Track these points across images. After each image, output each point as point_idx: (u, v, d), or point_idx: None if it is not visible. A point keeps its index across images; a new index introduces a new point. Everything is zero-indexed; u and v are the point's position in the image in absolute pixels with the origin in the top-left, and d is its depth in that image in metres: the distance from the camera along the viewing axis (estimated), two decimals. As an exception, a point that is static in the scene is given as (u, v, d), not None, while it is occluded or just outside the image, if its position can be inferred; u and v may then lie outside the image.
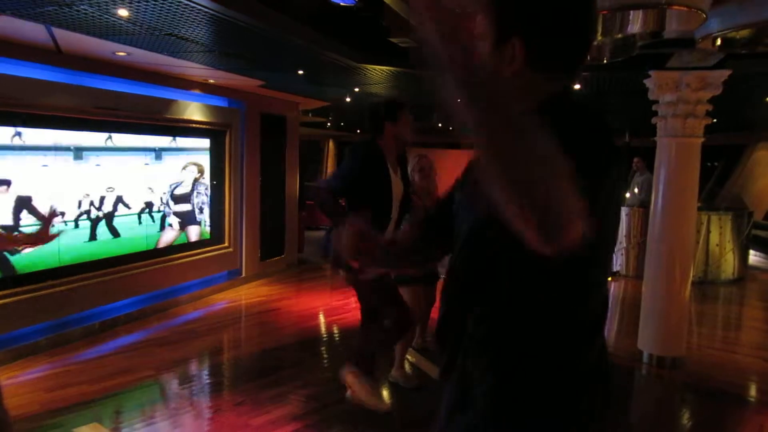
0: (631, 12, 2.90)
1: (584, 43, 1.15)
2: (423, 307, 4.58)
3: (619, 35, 3.16)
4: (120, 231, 5.88)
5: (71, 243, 5.33)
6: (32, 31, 4.19)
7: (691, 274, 5.00)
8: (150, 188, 6.26)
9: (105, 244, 5.72)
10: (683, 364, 4.90)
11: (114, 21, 3.85)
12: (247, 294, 7.30)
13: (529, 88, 1.08)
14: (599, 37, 3.15)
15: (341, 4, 3.66)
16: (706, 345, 5.69)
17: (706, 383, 4.66)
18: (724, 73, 4.66)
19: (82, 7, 3.51)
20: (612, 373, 1.25)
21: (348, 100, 8.64)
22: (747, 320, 7.08)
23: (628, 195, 9.68)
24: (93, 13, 3.64)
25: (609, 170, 1.06)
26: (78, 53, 5.04)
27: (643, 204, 8.15)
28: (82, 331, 5.24)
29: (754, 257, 9.94)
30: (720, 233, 8.44)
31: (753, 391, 4.64)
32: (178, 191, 6.70)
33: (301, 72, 6.08)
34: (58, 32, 4.25)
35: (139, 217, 6.15)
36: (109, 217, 5.75)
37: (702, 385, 4.64)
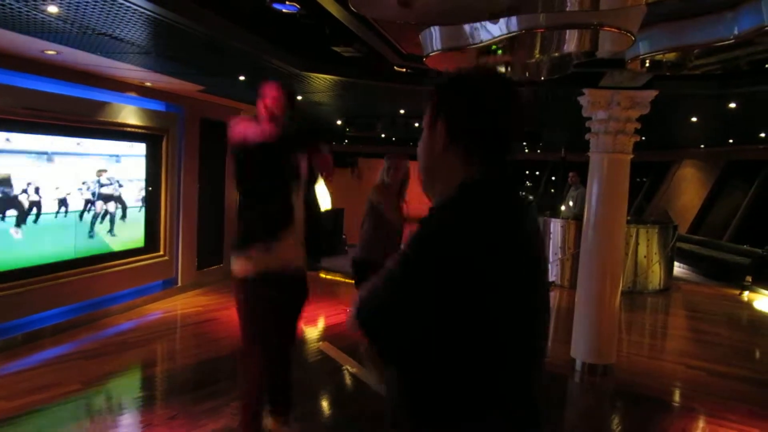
0: (567, 32, 3.01)
1: (497, 137, 1.25)
2: None
3: (556, 54, 3.27)
4: (41, 236, 5.59)
5: (-8, 250, 5.03)
6: (-48, 24, 3.95)
7: (621, 285, 5.21)
8: (67, 192, 5.92)
9: (28, 250, 5.42)
10: (613, 372, 5.08)
11: (43, 18, 3.68)
12: (183, 304, 7.08)
13: (450, 168, 1.25)
14: (537, 55, 3.25)
15: (283, 10, 3.63)
16: (634, 353, 5.93)
17: (634, 390, 4.84)
18: (652, 93, 4.91)
19: (8, 1, 3.33)
20: None
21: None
22: (672, 329, 7.43)
23: (563, 208, 10.03)
24: (20, 8, 3.46)
25: (499, 271, 1.15)
26: (4, 51, 4.79)
27: (578, 217, 8.45)
28: (3, 344, 4.93)
29: (678, 268, 10.47)
30: (647, 245, 8.84)
31: (677, 397, 4.86)
32: (87, 196, 6.44)
33: (242, 78, 5.99)
34: (-19, 27, 4.03)
35: (56, 216, 5.83)
36: (23, 220, 5.42)
37: (631, 392, 4.82)
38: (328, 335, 6.00)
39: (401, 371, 1.21)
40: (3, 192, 5.10)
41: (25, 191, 5.34)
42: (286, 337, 3.17)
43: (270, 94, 3.04)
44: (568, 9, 2.35)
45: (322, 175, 3.18)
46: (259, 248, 2.92)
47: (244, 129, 2.95)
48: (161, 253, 7.24)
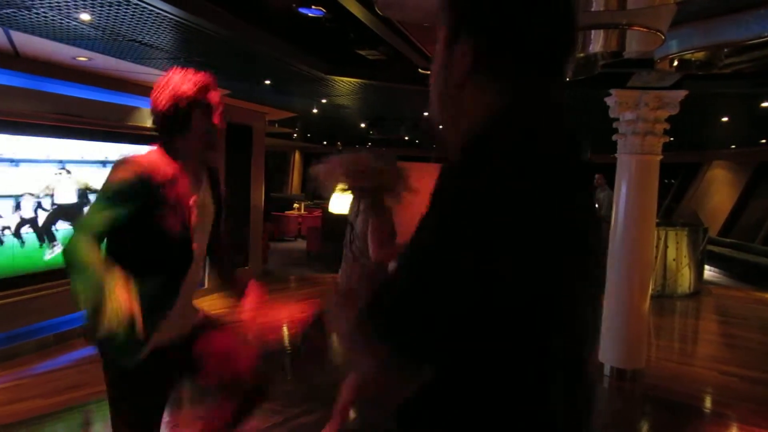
0: (593, 32, 2.98)
1: (547, 36, 0.90)
2: None
3: (582, 54, 3.24)
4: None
5: (26, 251, 5.15)
6: (-11, 33, 4.07)
7: (650, 288, 5.12)
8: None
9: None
10: (643, 377, 4.99)
11: (75, 25, 3.77)
12: (210, 305, 7.15)
13: (470, 105, 0.93)
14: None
15: (309, 15, 3.66)
16: (664, 357, 5.83)
17: (664, 395, 4.76)
18: (681, 94, 4.82)
19: (42, 10, 3.42)
20: None
21: (315, 111, 8.63)
22: (703, 333, 7.28)
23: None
24: (54, 16, 3.55)
25: (561, 235, 0.83)
26: (37, 57, 4.91)
27: (604, 219, 8.33)
28: (36, 344, 5.05)
29: (708, 272, 10.25)
30: (677, 248, 8.68)
31: (709, 403, 4.76)
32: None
33: (267, 82, 6.05)
34: (16, 35, 4.13)
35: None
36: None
37: (661, 397, 4.74)
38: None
39: (425, 370, 0.89)
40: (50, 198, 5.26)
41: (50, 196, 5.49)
42: None
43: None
44: (594, 9, 2.32)
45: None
46: None
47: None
48: (188, 255, 7.33)
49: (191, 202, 2.17)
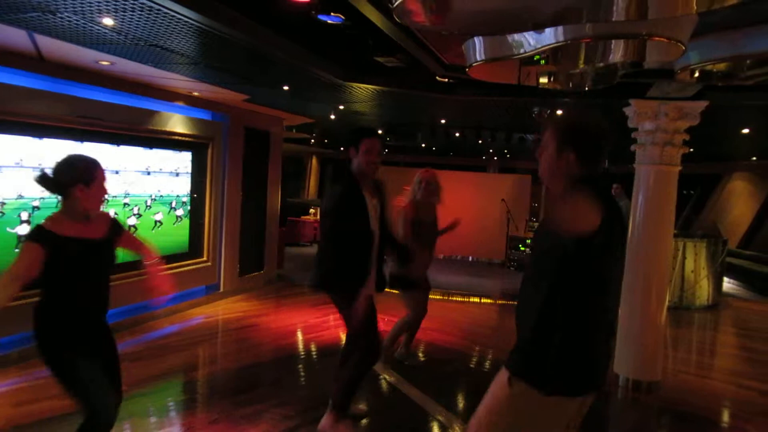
0: (613, 42, 2.96)
1: (599, 155, 2.11)
2: (420, 314, 4.96)
3: (601, 64, 3.22)
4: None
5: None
6: (14, 36, 4.14)
7: (667, 300, 5.06)
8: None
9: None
10: (659, 389, 4.93)
11: (98, 30, 3.83)
12: (225, 309, 7.21)
13: (572, 172, 2.07)
14: (582, 65, 3.21)
15: (328, 21, 3.68)
16: (681, 370, 5.75)
17: (681, 408, 4.69)
18: (702, 104, 4.77)
19: (66, 14, 3.48)
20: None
21: (332, 117, 8.66)
22: (721, 346, 7.17)
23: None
24: (77, 21, 3.62)
25: (610, 225, 1.96)
26: (60, 61, 5.00)
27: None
28: (53, 344, 5.11)
29: (728, 284, 10.10)
30: (695, 260, 8.57)
31: (726, 417, 4.68)
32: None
33: (286, 87, 6.09)
34: (41, 39, 4.21)
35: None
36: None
37: (677, 410, 4.67)
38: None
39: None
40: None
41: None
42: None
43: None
44: (614, 18, 2.31)
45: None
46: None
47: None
48: (204, 258, 7.40)
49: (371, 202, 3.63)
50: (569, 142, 2.05)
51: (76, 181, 2.57)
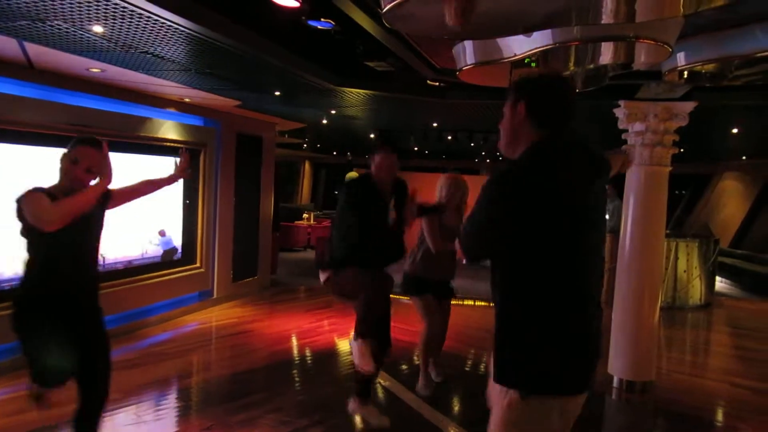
0: (602, 44, 2.99)
1: (557, 110, 1.89)
2: (433, 325, 4.50)
3: (591, 66, 3.25)
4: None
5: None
6: (3, 45, 4.13)
7: (660, 300, 5.08)
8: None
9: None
10: (653, 389, 4.95)
11: (89, 37, 3.82)
12: (219, 315, 7.19)
13: (527, 135, 1.87)
14: (572, 67, 3.23)
15: (318, 27, 3.69)
16: (675, 370, 5.77)
17: (675, 408, 4.71)
18: (691, 105, 4.81)
19: (55, 22, 3.47)
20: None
21: (325, 122, 8.67)
22: (714, 345, 7.20)
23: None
24: (67, 28, 3.61)
25: (563, 194, 1.77)
26: (50, 68, 4.98)
27: (613, 230, 8.28)
28: (45, 353, 5.08)
29: (720, 284, 10.16)
30: (687, 260, 8.61)
31: (720, 416, 4.70)
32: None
33: (277, 93, 6.09)
34: (30, 47, 4.20)
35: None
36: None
37: (671, 410, 4.69)
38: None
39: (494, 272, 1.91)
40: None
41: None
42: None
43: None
44: (603, 21, 2.33)
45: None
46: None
47: None
48: (198, 265, 7.38)
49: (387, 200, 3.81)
50: (521, 92, 1.88)
51: (65, 157, 2.76)
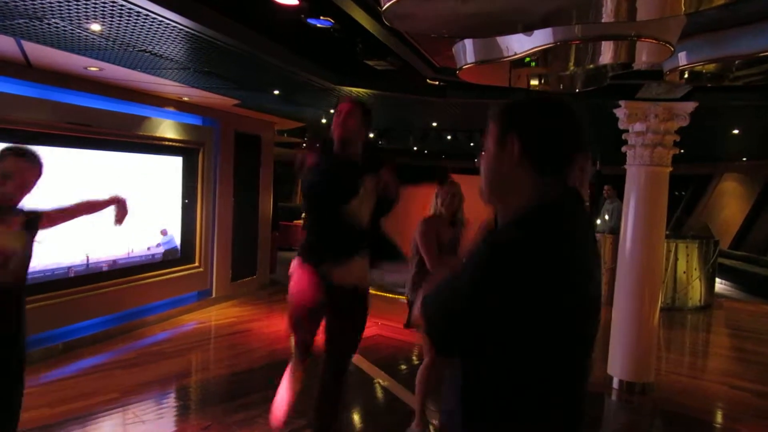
0: (603, 43, 2.97)
1: (562, 148, 1.36)
2: None
3: (591, 66, 3.23)
4: (86, 249, 5.74)
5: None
6: (1, 44, 4.11)
7: (660, 301, 5.07)
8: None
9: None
10: (652, 390, 4.93)
11: (86, 35, 3.80)
12: (217, 315, 7.17)
13: (521, 182, 1.34)
14: (572, 67, 3.22)
15: (317, 25, 3.67)
16: (674, 371, 5.75)
17: (674, 409, 4.69)
18: (691, 105, 4.80)
19: (53, 20, 3.45)
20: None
21: (324, 121, 8.65)
22: (714, 347, 7.19)
23: (598, 222, 9.84)
24: (64, 27, 3.59)
25: (566, 292, 1.27)
26: (48, 67, 4.96)
27: (613, 231, 8.27)
28: (44, 352, 5.06)
29: (720, 285, 10.14)
30: (687, 261, 8.60)
31: (720, 418, 4.69)
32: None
33: (276, 92, 6.07)
34: (28, 45, 4.18)
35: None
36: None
37: (670, 412, 4.67)
38: (359, 348, 5.98)
39: (460, 366, 1.33)
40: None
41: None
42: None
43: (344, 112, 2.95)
44: (603, 20, 2.31)
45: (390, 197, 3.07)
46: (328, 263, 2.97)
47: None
48: (196, 264, 7.36)
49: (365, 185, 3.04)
50: (512, 122, 1.36)
51: None
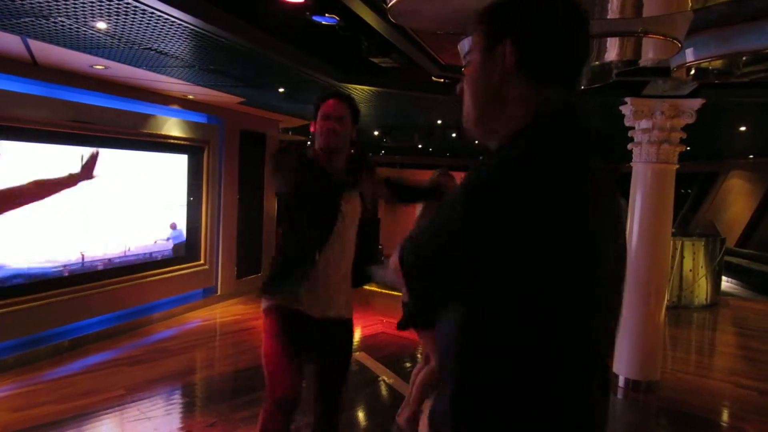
0: (608, 40, 2.95)
1: (575, 50, 1.09)
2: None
3: (596, 62, 3.21)
4: (92, 246, 5.75)
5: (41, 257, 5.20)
6: (7, 42, 4.12)
7: (666, 299, 5.05)
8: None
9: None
10: (658, 389, 4.92)
11: (92, 34, 3.81)
12: (223, 312, 7.18)
13: (517, 100, 1.08)
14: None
15: (323, 22, 3.67)
16: (680, 369, 5.73)
17: (680, 408, 4.68)
18: (698, 102, 4.77)
19: (59, 19, 3.46)
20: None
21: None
22: (720, 345, 7.15)
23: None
24: (70, 25, 3.60)
25: (576, 225, 0.98)
26: (54, 66, 4.98)
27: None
28: (52, 349, 5.09)
29: (726, 283, 10.09)
30: (693, 259, 8.56)
31: (726, 417, 4.67)
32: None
33: (281, 90, 6.07)
34: (34, 44, 4.19)
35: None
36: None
37: (676, 410, 4.66)
38: (364, 345, 5.99)
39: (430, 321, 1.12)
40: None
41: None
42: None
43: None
44: (609, 16, 2.29)
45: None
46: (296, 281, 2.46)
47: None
48: (202, 261, 7.38)
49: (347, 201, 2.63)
50: (505, 23, 1.08)
51: None
